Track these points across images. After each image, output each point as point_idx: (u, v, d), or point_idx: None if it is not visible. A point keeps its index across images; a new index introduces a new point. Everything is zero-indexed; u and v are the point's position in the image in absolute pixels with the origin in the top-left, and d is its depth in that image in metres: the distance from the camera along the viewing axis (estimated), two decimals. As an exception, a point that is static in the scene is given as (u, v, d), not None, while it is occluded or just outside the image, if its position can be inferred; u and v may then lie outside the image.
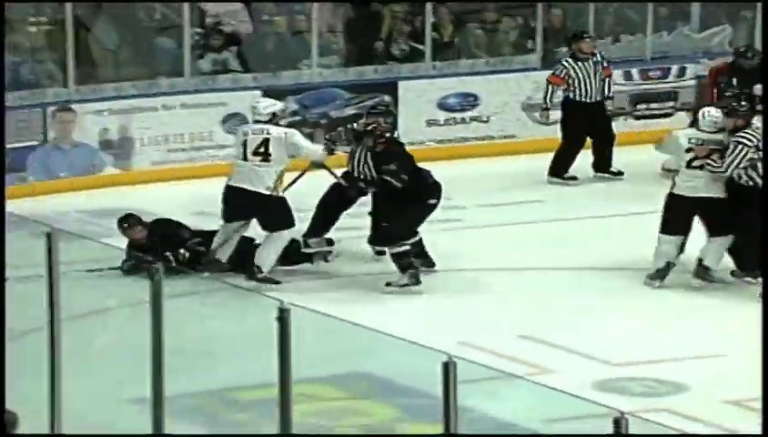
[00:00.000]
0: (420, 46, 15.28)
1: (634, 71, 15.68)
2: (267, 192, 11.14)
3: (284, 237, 11.20)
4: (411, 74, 15.27)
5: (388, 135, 11.49)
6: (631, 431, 6.01)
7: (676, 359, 10.00)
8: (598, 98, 14.35)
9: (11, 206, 12.24)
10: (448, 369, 6.45)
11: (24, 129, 13.80)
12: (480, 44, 15.54)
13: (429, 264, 11.60)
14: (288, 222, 11.25)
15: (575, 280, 11.69)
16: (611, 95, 14.44)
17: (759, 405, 9.10)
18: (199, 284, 9.71)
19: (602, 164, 14.45)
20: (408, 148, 11.83)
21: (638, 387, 9.69)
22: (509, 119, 15.40)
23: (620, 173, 14.46)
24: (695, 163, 11.26)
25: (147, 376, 7.63)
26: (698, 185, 11.23)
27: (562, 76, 14.30)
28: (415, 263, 11.23)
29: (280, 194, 11.25)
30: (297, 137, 11.43)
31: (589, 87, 14.32)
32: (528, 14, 15.74)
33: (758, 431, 8.21)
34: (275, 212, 11.19)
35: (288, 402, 7.04)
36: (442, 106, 15.19)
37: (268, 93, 14.55)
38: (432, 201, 11.42)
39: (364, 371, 9.49)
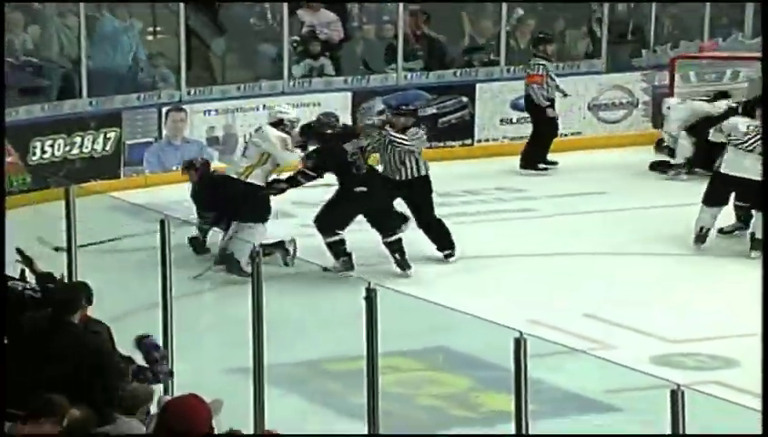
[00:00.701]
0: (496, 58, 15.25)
1: (692, 74, 15.47)
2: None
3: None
4: (486, 77, 15.18)
5: (329, 131, 11.40)
6: (686, 402, 5.93)
7: (726, 336, 9.89)
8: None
9: (128, 195, 12.33)
10: (519, 344, 6.40)
11: (140, 127, 13.85)
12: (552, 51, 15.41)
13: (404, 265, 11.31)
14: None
15: (632, 264, 11.58)
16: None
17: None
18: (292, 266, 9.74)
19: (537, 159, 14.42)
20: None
21: (691, 361, 9.59)
22: (575, 118, 15.27)
23: (554, 163, 14.46)
24: (748, 146, 11.62)
25: (249, 348, 7.65)
26: (746, 165, 11.58)
27: (542, 74, 14.22)
28: (346, 251, 11.05)
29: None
30: (271, 143, 11.26)
31: (551, 85, 14.34)
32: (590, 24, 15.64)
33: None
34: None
35: (374, 373, 7.02)
36: (515, 106, 15.10)
37: (358, 94, 14.58)
38: (359, 189, 11.17)
39: (441, 346, 9.47)
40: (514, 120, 15.09)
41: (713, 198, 11.88)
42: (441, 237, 11.53)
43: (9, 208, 11.61)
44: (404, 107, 12.20)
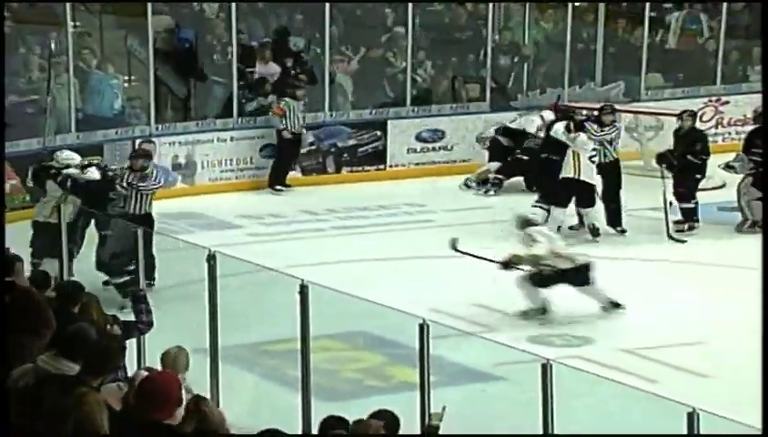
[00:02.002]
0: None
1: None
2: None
3: None
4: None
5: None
6: (554, 373, 5.95)
7: (587, 320, 9.95)
8: None
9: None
10: (422, 328, 6.41)
11: (118, 155, 13.68)
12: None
13: None
14: None
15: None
16: None
17: (649, 353, 9.08)
18: (240, 267, 9.67)
19: None
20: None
21: (559, 340, 9.63)
22: (467, 149, 15.26)
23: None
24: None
25: (206, 332, 7.59)
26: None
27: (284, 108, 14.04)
28: None
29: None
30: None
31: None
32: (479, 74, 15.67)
33: (652, 372, 8.14)
34: None
35: (306, 352, 7.00)
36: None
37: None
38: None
39: (361, 330, 9.44)
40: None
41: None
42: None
43: (12, 221, 11.52)
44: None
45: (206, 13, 14.55)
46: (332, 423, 5.70)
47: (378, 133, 14.93)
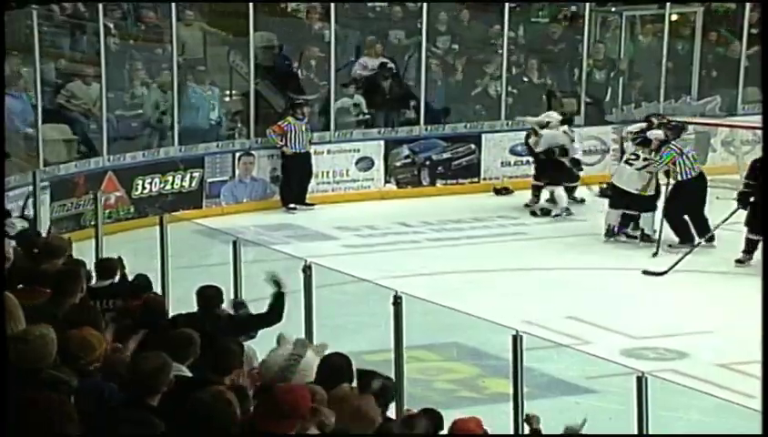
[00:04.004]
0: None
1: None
2: None
3: None
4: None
5: None
6: (649, 386, 5.84)
7: (677, 334, 9.77)
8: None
9: (208, 222, 12.29)
10: (516, 340, 6.33)
11: (218, 168, 13.82)
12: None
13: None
14: None
15: (601, 276, 11.46)
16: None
17: (744, 368, 8.88)
18: (337, 277, 9.67)
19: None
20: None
21: (652, 354, 9.47)
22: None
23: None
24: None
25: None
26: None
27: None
28: None
29: None
30: None
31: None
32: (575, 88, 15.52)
33: (747, 387, 7.95)
34: None
35: (400, 362, 6.95)
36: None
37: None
38: None
39: (454, 341, 9.37)
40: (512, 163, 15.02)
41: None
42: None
43: (116, 231, 11.69)
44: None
45: (308, 28, 14.57)
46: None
47: (473, 146, 14.85)
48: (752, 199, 11.57)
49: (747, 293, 10.79)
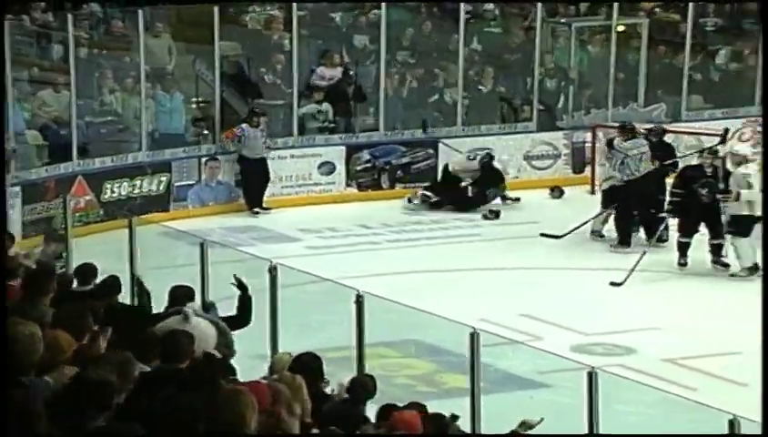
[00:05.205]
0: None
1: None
2: None
3: None
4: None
5: None
6: (599, 381, 5.89)
7: (625, 330, 9.84)
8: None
9: (176, 224, 12.26)
10: (473, 337, 6.37)
11: (185, 172, 13.79)
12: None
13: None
14: None
15: (555, 275, 11.54)
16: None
17: (689, 363, 8.96)
18: (301, 277, 9.68)
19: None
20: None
21: (601, 349, 9.53)
22: (515, 166, 15.17)
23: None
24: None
25: (267, 339, 7.59)
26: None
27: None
28: None
29: None
30: None
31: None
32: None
33: (691, 381, 8.03)
34: None
35: (362, 359, 6.97)
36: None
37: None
38: None
39: (413, 338, 9.39)
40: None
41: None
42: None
43: (86, 234, 11.63)
44: None
45: (269, 39, 14.58)
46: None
47: (431, 151, 14.88)
48: (678, 207, 11.62)
49: (692, 292, 10.95)
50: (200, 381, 4.76)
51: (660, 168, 12.43)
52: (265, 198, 13.93)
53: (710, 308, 10.41)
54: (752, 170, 11.26)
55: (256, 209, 13.72)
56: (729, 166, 11.54)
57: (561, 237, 12.19)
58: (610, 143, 12.73)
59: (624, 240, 12.16)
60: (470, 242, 12.80)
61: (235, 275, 7.23)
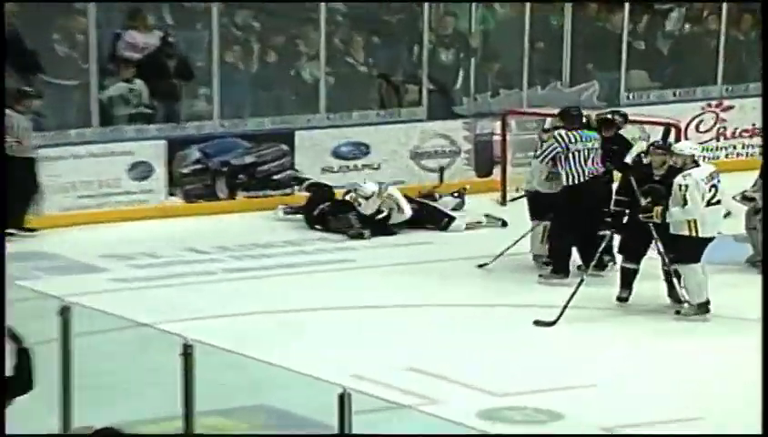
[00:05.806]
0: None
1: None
2: None
3: None
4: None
5: None
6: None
7: (551, 389, 9.95)
8: None
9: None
10: (343, 400, 6.34)
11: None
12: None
13: None
14: None
15: (460, 316, 11.63)
16: None
17: (630, 431, 9.11)
18: (106, 321, 9.57)
19: None
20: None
21: (518, 415, 9.61)
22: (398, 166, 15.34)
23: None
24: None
25: (56, 409, 7.46)
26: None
27: None
28: None
29: None
30: None
31: None
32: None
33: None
34: None
35: (191, 434, 6.90)
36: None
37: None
38: None
39: (262, 404, 9.35)
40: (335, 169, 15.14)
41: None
42: None
43: None
44: None
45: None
46: None
47: (284, 147, 14.90)
48: (624, 220, 11.58)
49: (637, 336, 11.11)
50: None
51: (610, 171, 12.25)
52: (56, 212, 13.77)
53: (659, 358, 10.58)
54: (694, 179, 11.12)
55: (11, 230, 13.22)
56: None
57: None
58: (546, 132, 12.50)
59: (560, 267, 12.16)
60: (340, 271, 12.85)
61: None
